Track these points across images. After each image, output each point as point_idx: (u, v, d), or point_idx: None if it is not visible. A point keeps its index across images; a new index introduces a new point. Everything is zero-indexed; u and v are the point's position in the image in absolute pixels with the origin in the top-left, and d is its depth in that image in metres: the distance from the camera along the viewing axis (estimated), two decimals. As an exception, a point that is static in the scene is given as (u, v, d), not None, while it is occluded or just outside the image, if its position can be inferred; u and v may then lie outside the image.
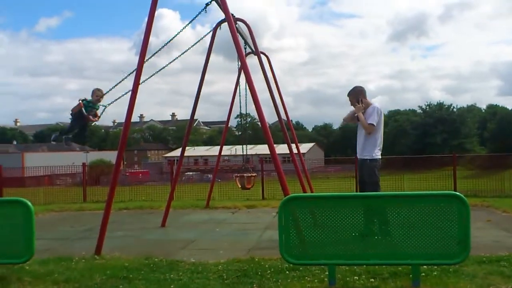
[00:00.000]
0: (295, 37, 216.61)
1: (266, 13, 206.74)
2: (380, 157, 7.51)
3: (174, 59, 9.95)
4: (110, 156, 44.97)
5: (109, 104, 8.72)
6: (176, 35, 9.39)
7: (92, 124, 8.83)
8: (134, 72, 8.15)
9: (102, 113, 8.87)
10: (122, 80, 8.48)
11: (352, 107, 7.81)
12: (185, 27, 9.46)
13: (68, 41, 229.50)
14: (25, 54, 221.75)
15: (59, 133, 8.92)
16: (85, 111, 8.46)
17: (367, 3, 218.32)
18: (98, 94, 8.64)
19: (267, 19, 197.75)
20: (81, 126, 8.71)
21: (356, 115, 7.69)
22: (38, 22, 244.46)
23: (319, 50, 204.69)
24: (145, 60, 8.17)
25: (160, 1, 8.19)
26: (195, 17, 9.54)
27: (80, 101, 8.44)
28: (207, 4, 9.25)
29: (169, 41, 9.42)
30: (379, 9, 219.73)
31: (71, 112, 8.72)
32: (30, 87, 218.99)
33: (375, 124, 7.40)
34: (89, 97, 8.58)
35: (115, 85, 8.59)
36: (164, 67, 9.78)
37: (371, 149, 7.44)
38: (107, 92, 8.62)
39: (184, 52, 10.20)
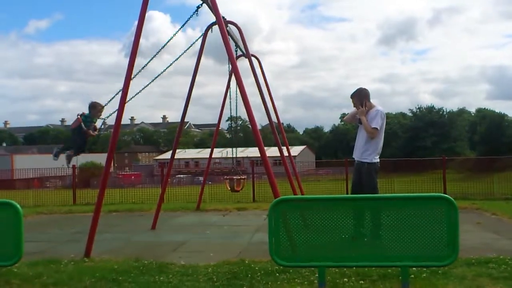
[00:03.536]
0: (286, 41, 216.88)
1: (256, 16, 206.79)
2: (378, 161, 7.44)
3: (170, 65, 9.87)
4: (101, 158, 44.73)
5: (107, 117, 8.63)
6: (170, 39, 9.42)
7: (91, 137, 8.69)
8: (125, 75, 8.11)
9: (101, 126, 8.83)
10: (117, 94, 8.31)
11: (354, 108, 7.74)
12: (177, 31, 9.54)
13: (58, 43, 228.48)
14: (14, 56, 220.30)
15: (60, 149, 8.79)
16: (85, 126, 8.33)
17: (356, 7, 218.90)
18: (98, 109, 8.50)
19: (257, 22, 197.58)
20: (82, 141, 8.55)
21: (358, 117, 7.61)
22: (27, 24, 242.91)
23: (309, 54, 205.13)
24: (140, 68, 8.12)
25: (150, 4, 8.17)
26: (186, 21, 9.51)
27: (79, 116, 8.31)
28: (198, 7, 9.26)
29: (163, 47, 9.43)
30: (369, 13, 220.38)
31: (70, 128, 8.62)
32: (20, 89, 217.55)
33: (379, 128, 7.33)
34: (86, 111, 8.46)
35: (112, 98, 8.44)
36: (161, 73, 9.57)
37: (371, 153, 7.35)
38: (105, 105, 8.51)
39: (179, 56, 10.17)
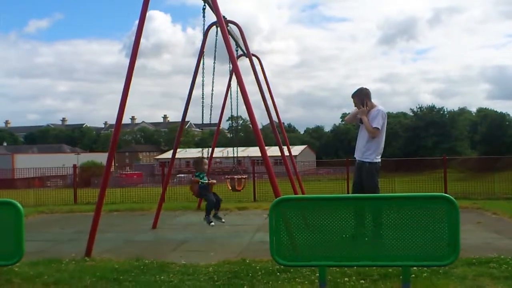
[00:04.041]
0: (286, 40, 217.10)
1: (256, 16, 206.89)
2: (379, 160, 7.43)
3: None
4: (101, 158, 44.86)
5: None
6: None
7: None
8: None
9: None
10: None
11: (355, 108, 7.73)
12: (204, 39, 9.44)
13: (58, 43, 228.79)
14: (15, 56, 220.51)
15: (207, 215, 9.04)
16: (202, 181, 8.93)
17: (357, 7, 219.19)
18: (205, 163, 9.28)
19: (257, 21, 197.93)
20: (211, 194, 9.05)
21: (359, 117, 7.59)
22: (27, 24, 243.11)
23: (310, 53, 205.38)
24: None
25: (151, 3, 8.17)
26: (210, 28, 9.53)
27: (194, 178, 8.92)
28: (203, 9, 9.21)
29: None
30: (369, 13, 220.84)
31: (195, 194, 9.28)
32: (20, 89, 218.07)
33: (380, 127, 7.32)
34: (195, 170, 9.13)
35: None
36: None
37: (372, 152, 7.35)
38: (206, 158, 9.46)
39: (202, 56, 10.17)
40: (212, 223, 8.95)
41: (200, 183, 8.88)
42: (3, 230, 5.76)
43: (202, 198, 9.08)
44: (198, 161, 9.23)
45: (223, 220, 9.35)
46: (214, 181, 9.52)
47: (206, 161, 9.28)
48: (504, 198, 15.58)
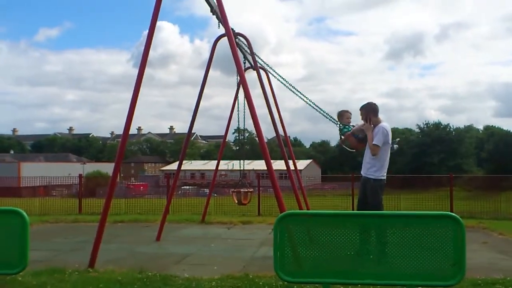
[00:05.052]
0: (293, 53, 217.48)
1: (263, 29, 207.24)
2: (384, 177, 7.39)
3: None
4: (107, 168, 44.87)
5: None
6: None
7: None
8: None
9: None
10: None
11: (362, 120, 7.71)
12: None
13: (67, 52, 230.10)
14: (24, 64, 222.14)
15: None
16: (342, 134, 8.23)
17: (364, 20, 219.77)
18: (348, 116, 8.38)
19: (264, 34, 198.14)
20: (362, 138, 7.93)
21: (364, 130, 7.57)
22: (37, 32, 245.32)
23: (316, 67, 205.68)
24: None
25: (159, 14, 8.22)
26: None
27: (347, 133, 8.11)
28: (218, 19, 9.09)
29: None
30: (377, 27, 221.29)
31: (354, 146, 8.20)
32: (28, 97, 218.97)
33: (379, 145, 7.29)
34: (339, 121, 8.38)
35: None
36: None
37: (377, 169, 7.32)
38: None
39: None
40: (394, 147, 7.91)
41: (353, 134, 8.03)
42: (8, 239, 5.76)
43: (363, 143, 7.99)
44: (340, 114, 8.40)
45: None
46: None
47: (349, 114, 8.38)
48: (510, 218, 15.46)
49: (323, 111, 9.04)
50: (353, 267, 5.31)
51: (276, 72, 10.22)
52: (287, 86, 9.88)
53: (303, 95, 9.64)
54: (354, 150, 8.41)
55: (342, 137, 8.26)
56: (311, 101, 9.42)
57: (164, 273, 6.84)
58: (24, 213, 5.69)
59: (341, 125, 8.34)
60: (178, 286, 6.12)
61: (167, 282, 6.35)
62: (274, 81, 13.15)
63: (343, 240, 5.26)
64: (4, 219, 5.92)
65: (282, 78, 10.04)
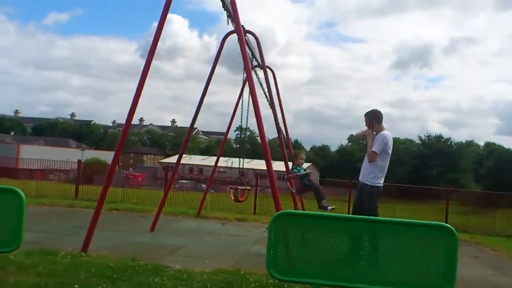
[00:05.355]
0: (300, 56, 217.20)
1: (273, 29, 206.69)
2: (381, 185, 7.39)
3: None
4: (106, 156, 44.88)
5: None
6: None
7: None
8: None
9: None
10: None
11: (366, 126, 7.76)
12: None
13: (76, 37, 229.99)
14: (31, 47, 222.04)
15: (322, 201, 8.79)
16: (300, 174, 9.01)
17: (375, 28, 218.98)
18: (302, 158, 9.33)
19: (273, 34, 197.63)
20: (310, 184, 9.07)
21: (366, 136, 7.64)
22: (47, 16, 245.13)
23: (323, 71, 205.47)
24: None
25: (171, 7, 8.24)
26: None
27: (293, 173, 9.01)
28: (228, 16, 9.16)
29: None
30: (386, 36, 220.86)
31: (298, 188, 9.16)
32: (33, 79, 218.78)
33: (377, 152, 7.31)
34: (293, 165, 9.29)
35: None
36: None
37: (374, 176, 7.32)
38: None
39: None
40: (331, 207, 8.58)
41: (299, 175, 8.93)
42: (4, 217, 5.80)
43: (306, 190, 9.05)
44: (294, 155, 9.45)
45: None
46: (311, 171, 9.75)
47: (302, 155, 9.40)
48: (504, 236, 15.50)
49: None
50: (344, 270, 5.34)
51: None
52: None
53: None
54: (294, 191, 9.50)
55: (290, 175, 9.14)
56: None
57: (156, 263, 6.87)
58: (21, 192, 5.72)
59: (294, 165, 9.24)
60: (169, 276, 6.15)
61: (158, 272, 6.37)
62: (279, 82, 13.19)
63: (335, 243, 5.30)
64: (1, 197, 5.95)
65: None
